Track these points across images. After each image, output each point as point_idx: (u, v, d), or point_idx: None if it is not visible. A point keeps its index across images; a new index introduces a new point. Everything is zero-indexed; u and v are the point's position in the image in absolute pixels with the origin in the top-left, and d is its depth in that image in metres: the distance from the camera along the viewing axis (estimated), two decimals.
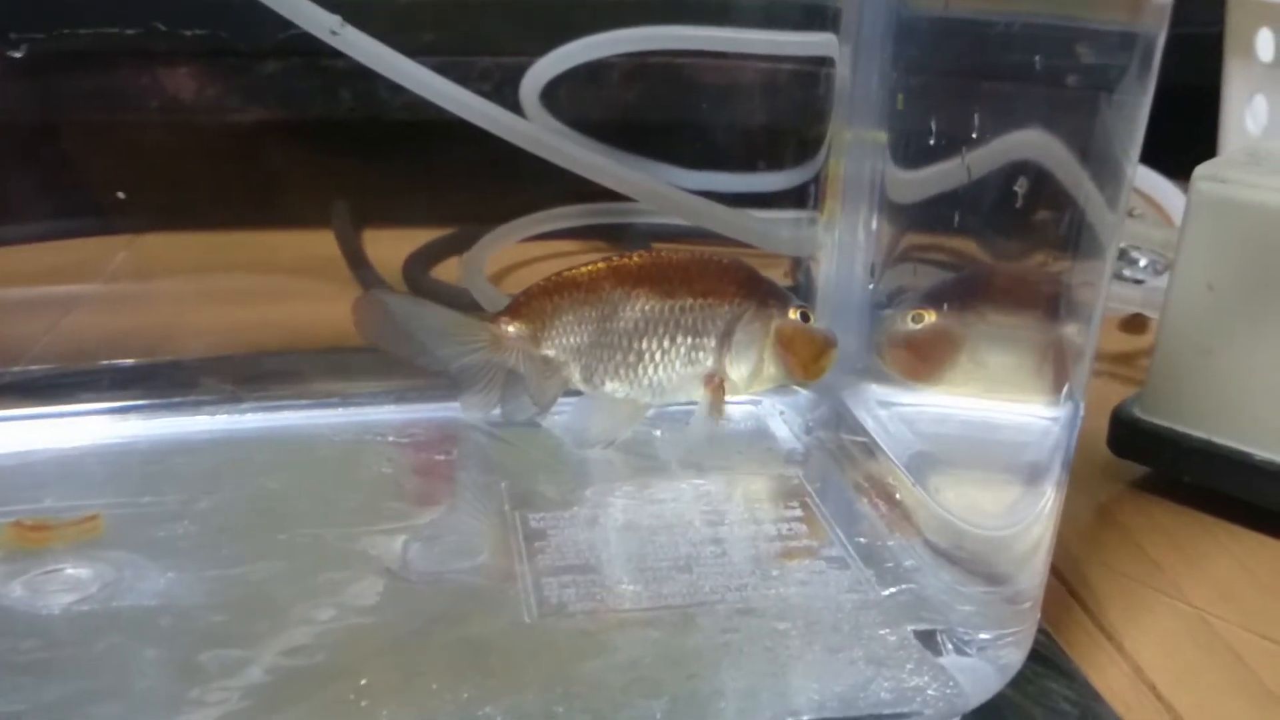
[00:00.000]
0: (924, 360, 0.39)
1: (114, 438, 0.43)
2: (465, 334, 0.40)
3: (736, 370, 0.40)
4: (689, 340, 0.39)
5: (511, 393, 0.41)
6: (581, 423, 0.41)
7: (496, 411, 0.41)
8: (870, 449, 0.43)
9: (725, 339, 0.40)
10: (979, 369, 0.38)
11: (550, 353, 0.39)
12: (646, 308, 0.39)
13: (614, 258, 0.40)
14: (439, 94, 0.45)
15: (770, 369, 0.41)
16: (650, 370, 0.39)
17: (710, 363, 0.40)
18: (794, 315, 0.40)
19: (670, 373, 0.40)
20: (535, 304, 0.40)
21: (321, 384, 0.45)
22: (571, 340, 0.39)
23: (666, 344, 0.39)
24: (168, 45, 0.48)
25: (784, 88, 0.50)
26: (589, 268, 0.40)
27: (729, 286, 0.40)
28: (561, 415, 0.43)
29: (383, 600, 0.35)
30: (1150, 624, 0.40)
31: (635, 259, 0.40)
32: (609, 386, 0.40)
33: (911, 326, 0.38)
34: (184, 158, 0.52)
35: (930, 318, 0.38)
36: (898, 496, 0.41)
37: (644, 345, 0.39)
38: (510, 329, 0.39)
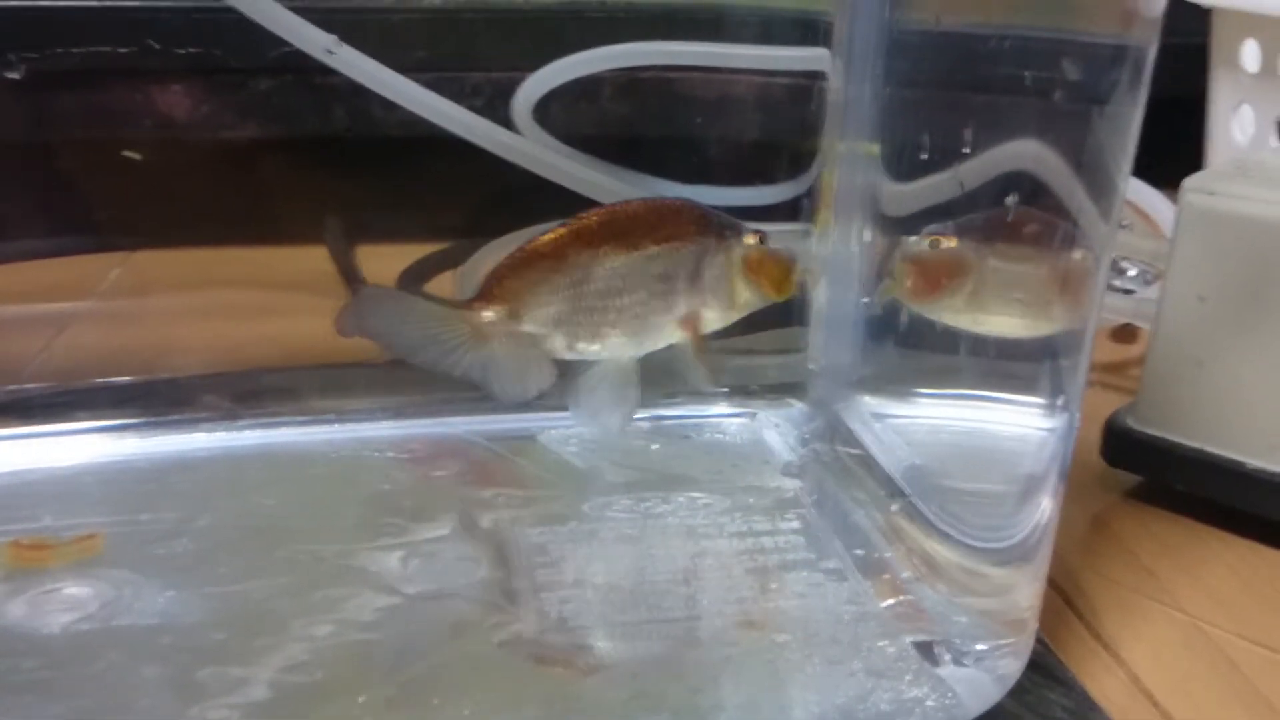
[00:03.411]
0: (929, 282, 0.39)
1: (111, 456, 0.43)
2: (445, 328, 0.39)
3: (712, 305, 0.40)
4: (662, 287, 0.39)
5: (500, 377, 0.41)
6: (588, 410, 0.40)
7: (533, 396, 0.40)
8: (866, 461, 0.43)
9: (695, 278, 0.40)
10: (979, 304, 0.38)
11: (529, 328, 0.39)
12: (616, 264, 0.39)
13: (571, 221, 0.40)
14: (433, 111, 0.46)
15: (744, 295, 0.41)
16: (631, 324, 0.39)
17: (684, 304, 0.40)
18: (752, 241, 0.40)
19: (648, 322, 0.40)
20: (507, 283, 0.39)
21: (318, 400, 0.45)
22: (550, 311, 0.39)
23: (643, 295, 0.39)
24: (161, 64, 0.48)
25: (777, 101, 0.50)
26: (551, 236, 0.39)
27: (688, 226, 0.40)
28: (558, 430, 0.44)
29: (382, 616, 0.35)
30: (1146, 632, 0.41)
31: (594, 218, 0.39)
32: (593, 349, 0.39)
33: (925, 249, 0.39)
34: (178, 175, 0.52)
35: (948, 244, 0.38)
36: (894, 508, 0.41)
37: (621, 301, 0.39)
38: (488, 314, 0.39)
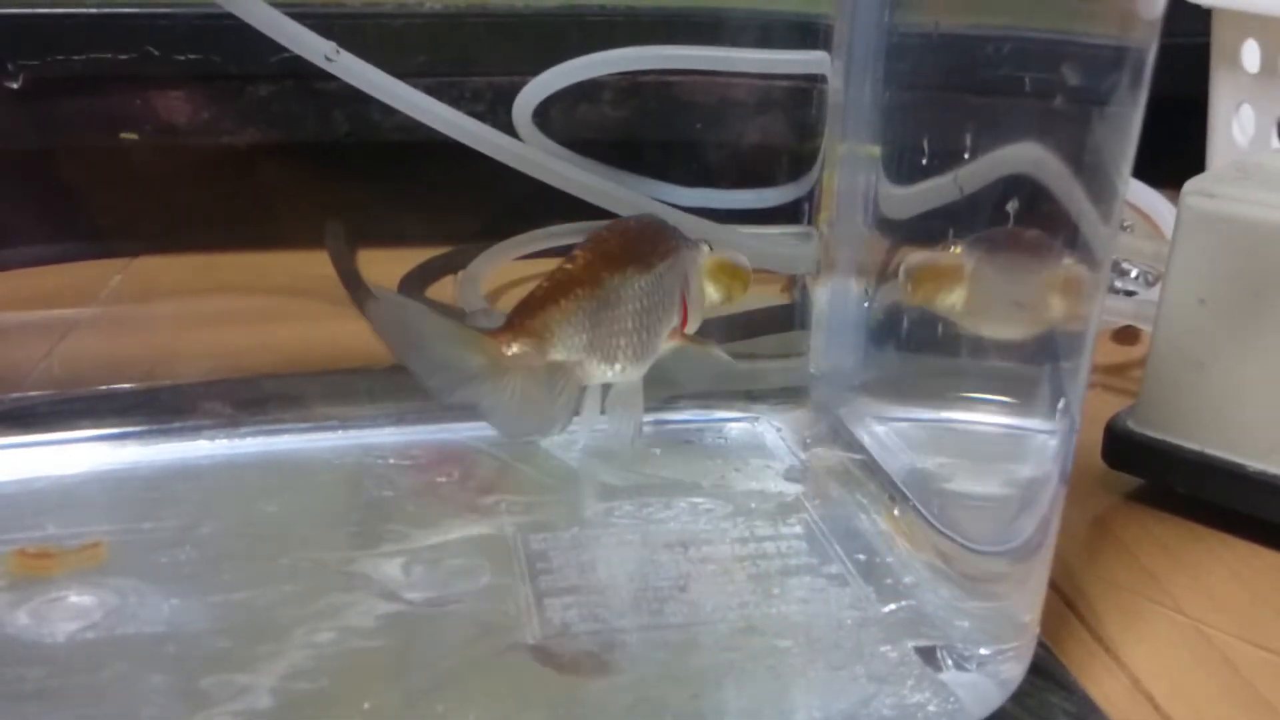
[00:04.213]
0: (928, 298, 0.39)
1: (114, 464, 0.43)
2: (470, 358, 0.35)
3: (694, 313, 0.41)
4: (667, 301, 0.40)
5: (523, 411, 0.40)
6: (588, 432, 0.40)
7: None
8: (868, 465, 0.43)
9: (686, 288, 0.40)
10: (981, 314, 0.39)
11: (560, 356, 0.37)
12: (640, 284, 0.39)
13: (589, 244, 0.38)
14: (433, 116, 0.46)
15: (711, 299, 0.41)
16: (648, 340, 0.39)
17: (676, 314, 0.40)
18: (708, 248, 0.41)
19: (658, 337, 0.40)
20: (541, 314, 0.36)
21: (321, 406, 0.45)
22: (583, 338, 0.38)
23: (660, 312, 0.39)
24: (161, 70, 0.48)
25: (777, 104, 0.50)
26: (580, 260, 0.38)
27: (670, 241, 0.40)
28: (560, 436, 0.44)
29: (386, 623, 0.35)
30: (1147, 635, 0.41)
31: (614, 240, 0.39)
32: (615, 370, 0.39)
33: (924, 263, 0.39)
34: (179, 181, 0.52)
35: (947, 258, 0.39)
36: (895, 513, 0.41)
37: (644, 320, 0.39)
38: (516, 348, 0.36)
